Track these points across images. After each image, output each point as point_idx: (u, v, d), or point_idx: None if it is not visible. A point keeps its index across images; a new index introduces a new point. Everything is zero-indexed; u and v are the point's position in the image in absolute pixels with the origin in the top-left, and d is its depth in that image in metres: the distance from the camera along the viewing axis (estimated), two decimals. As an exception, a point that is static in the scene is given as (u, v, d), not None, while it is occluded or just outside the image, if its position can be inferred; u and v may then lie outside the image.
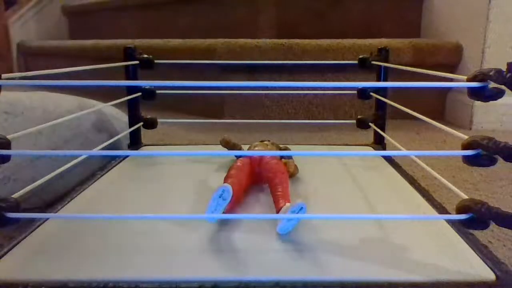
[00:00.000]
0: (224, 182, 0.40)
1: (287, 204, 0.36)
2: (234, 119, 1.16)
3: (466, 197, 0.31)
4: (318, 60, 1.14)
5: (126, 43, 1.10)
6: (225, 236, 0.34)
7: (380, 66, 0.61)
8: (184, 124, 1.11)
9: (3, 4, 2.30)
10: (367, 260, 0.30)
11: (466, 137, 0.31)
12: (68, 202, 0.41)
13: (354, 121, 0.65)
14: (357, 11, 1.50)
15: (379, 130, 0.62)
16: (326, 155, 0.59)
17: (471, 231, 0.34)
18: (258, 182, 0.45)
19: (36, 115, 0.49)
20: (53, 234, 0.34)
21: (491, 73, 0.29)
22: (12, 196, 0.29)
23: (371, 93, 0.63)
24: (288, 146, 0.57)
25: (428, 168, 0.39)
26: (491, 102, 0.30)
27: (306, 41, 1.18)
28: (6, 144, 0.29)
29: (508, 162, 0.29)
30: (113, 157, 0.55)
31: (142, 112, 0.63)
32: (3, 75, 0.28)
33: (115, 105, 0.56)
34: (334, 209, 0.40)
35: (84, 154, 0.43)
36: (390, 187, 0.47)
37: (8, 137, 0.29)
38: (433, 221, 0.37)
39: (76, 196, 0.43)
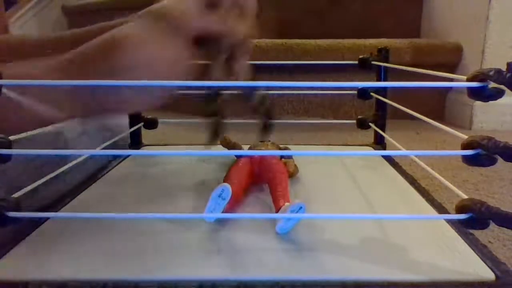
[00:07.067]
0: (223, 182, 0.40)
1: (287, 203, 0.36)
2: (234, 119, 1.15)
3: (466, 197, 0.31)
4: (318, 60, 1.14)
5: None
6: (224, 235, 0.34)
7: (380, 66, 0.61)
8: (184, 124, 1.11)
9: (3, 4, 2.29)
10: (367, 260, 0.30)
11: (466, 137, 0.31)
12: (68, 202, 0.41)
13: (354, 121, 0.65)
14: (357, 11, 1.50)
15: (379, 130, 0.62)
16: (326, 155, 0.59)
17: (471, 231, 0.34)
18: (258, 182, 0.45)
19: None
20: (53, 234, 0.34)
21: (491, 73, 0.29)
22: (12, 196, 0.29)
23: (371, 93, 0.63)
24: (288, 146, 0.57)
25: (428, 168, 0.39)
26: (491, 102, 0.30)
27: (306, 41, 1.18)
28: (7, 144, 0.29)
29: (508, 162, 0.29)
30: (114, 157, 0.55)
31: (142, 112, 0.63)
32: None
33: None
34: (334, 209, 0.40)
35: (84, 154, 0.43)
36: (390, 187, 0.47)
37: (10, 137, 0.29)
38: (433, 221, 0.37)
39: (76, 196, 0.43)
